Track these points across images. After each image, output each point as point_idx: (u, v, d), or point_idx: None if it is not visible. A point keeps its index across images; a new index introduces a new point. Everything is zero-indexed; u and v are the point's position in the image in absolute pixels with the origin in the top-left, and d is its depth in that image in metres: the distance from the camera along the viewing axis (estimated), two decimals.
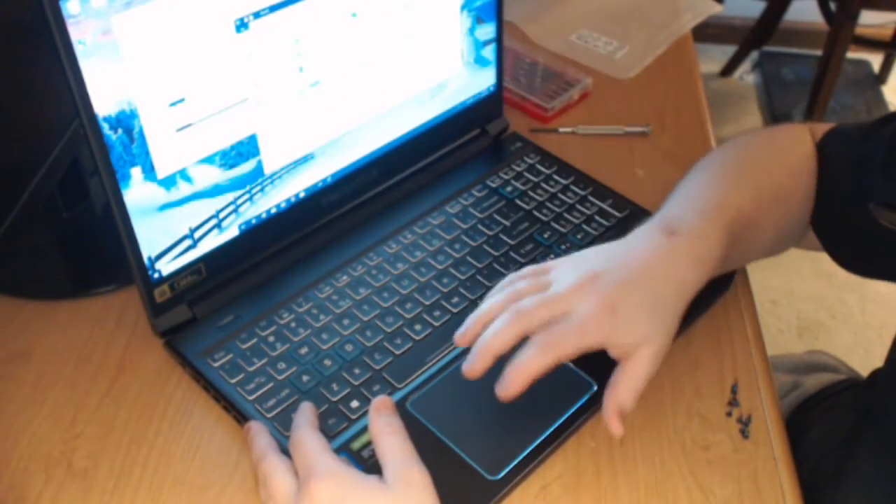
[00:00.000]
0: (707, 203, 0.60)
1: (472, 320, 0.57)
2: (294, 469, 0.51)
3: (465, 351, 0.62)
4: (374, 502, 0.48)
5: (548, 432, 0.58)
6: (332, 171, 0.71)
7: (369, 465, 0.55)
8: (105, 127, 0.54)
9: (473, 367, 0.55)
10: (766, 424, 0.61)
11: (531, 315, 0.54)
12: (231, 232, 0.65)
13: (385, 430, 0.51)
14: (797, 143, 0.66)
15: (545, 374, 0.53)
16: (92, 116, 0.53)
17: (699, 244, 0.57)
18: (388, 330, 0.64)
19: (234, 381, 0.60)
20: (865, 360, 0.75)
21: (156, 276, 0.62)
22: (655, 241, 0.57)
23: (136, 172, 0.57)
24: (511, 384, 0.53)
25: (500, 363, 0.54)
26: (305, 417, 0.54)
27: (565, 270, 0.57)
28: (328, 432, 0.57)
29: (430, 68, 0.75)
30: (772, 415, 0.61)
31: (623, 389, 0.53)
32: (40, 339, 0.65)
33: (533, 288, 0.56)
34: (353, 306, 0.66)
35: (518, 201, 0.76)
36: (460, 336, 0.57)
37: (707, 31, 2.43)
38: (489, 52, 0.79)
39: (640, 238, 0.58)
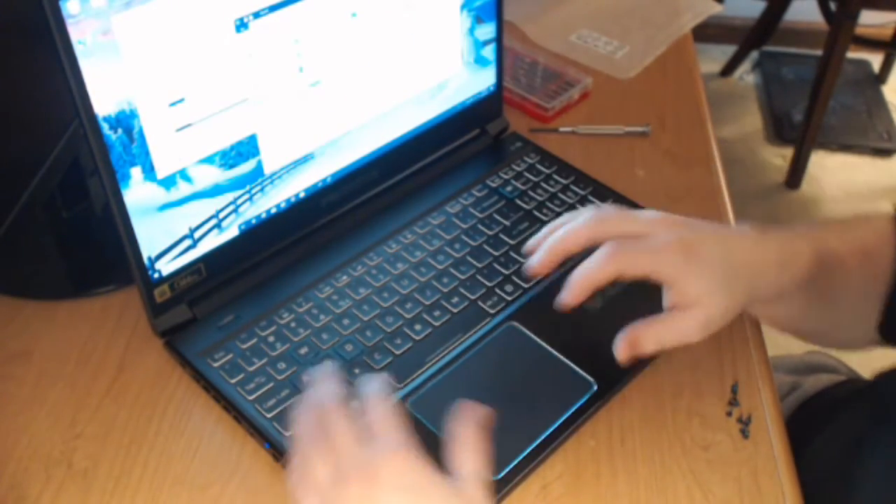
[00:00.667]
0: (799, 229, 0.60)
1: (546, 229, 0.58)
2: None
3: (465, 351, 0.63)
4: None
5: (548, 432, 0.58)
6: (332, 171, 0.71)
7: None
8: (105, 127, 0.54)
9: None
10: (766, 424, 0.61)
11: (610, 221, 0.54)
12: (231, 232, 0.65)
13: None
14: (878, 213, 0.65)
15: (607, 283, 0.53)
16: (92, 116, 0.53)
17: (788, 249, 0.57)
18: (388, 330, 0.64)
19: (234, 381, 0.60)
20: (865, 360, 0.75)
21: (156, 276, 0.62)
22: (748, 231, 0.58)
23: (136, 172, 0.57)
24: (573, 291, 0.54)
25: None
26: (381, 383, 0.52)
27: (652, 213, 0.57)
28: None
29: (430, 68, 0.75)
30: (772, 415, 0.61)
31: (654, 331, 0.54)
32: (40, 339, 0.65)
33: (626, 226, 0.56)
34: (353, 306, 0.66)
35: (518, 201, 0.76)
36: (533, 242, 0.58)
37: (707, 31, 2.43)
38: (489, 52, 0.79)
39: (733, 226, 0.59)
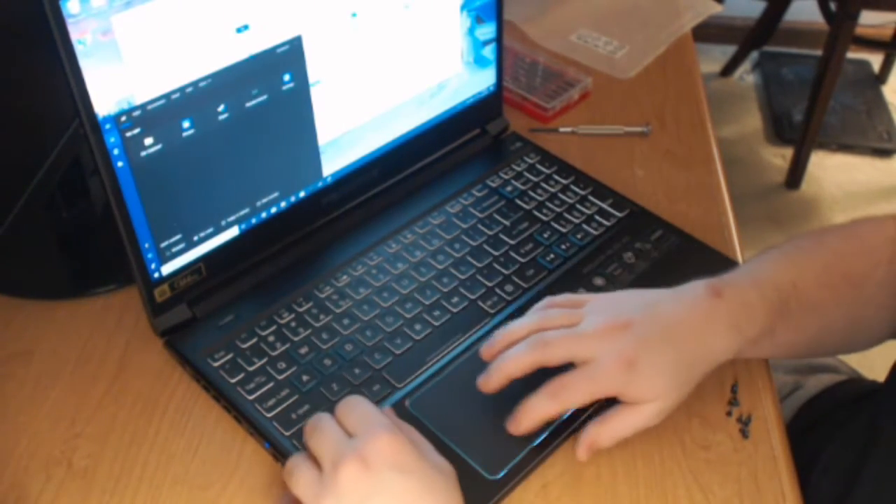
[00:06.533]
0: (763, 275, 0.59)
1: (498, 336, 0.58)
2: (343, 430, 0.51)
3: (465, 351, 0.63)
4: (434, 479, 0.49)
5: (548, 432, 0.58)
6: (332, 171, 0.71)
7: None
8: (105, 127, 0.54)
9: (488, 383, 0.56)
10: (766, 424, 0.61)
11: (552, 348, 0.55)
12: (231, 232, 0.65)
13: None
14: (878, 229, 0.64)
15: (556, 417, 0.56)
16: (92, 116, 0.53)
17: (740, 311, 0.57)
18: (388, 329, 0.64)
19: (234, 380, 0.60)
20: (865, 360, 0.75)
21: (156, 275, 0.62)
22: (698, 299, 0.57)
23: None
24: (520, 424, 0.55)
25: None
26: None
27: (599, 309, 0.58)
28: None
29: (430, 68, 0.75)
30: (772, 415, 0.61)
31: (608, 429, 0.55)
32: (40, 339, 0.65)
33: (563, 319, 0.57)
34: (353, 306, 0.66)
35: (518, 201, 0.76)
36: (486, 350, 0.58)
37: (707, 31, 2.43)
38: (489, 52, 0.79)
39: (686, 293, 0.58)
